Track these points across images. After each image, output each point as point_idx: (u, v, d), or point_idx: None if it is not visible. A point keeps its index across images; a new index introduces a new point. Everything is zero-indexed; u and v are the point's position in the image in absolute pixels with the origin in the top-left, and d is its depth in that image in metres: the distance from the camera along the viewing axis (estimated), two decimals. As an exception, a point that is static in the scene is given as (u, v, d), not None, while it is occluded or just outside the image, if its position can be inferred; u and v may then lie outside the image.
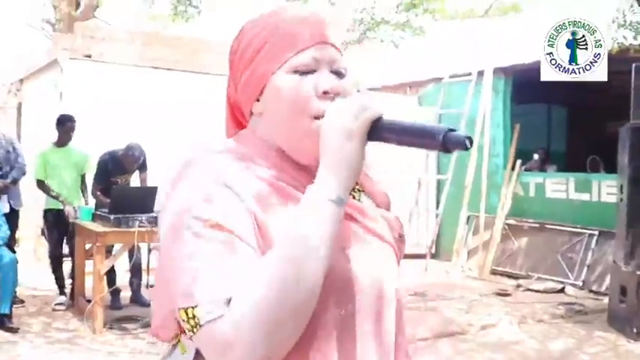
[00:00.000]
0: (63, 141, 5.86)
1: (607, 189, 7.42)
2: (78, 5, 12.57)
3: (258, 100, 0.98)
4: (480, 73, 8.71)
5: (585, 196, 7.83)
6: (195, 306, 0.83)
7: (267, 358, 0.82)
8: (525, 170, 8.89)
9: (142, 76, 7.94)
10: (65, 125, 5.80)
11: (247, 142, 1.00)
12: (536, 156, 9.98)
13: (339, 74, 0.97)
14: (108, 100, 7.44)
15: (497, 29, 9.57)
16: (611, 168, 7.59)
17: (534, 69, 8.10)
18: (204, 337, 0.84)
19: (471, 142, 0.84)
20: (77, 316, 5.43)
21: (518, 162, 8.52)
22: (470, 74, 8.80)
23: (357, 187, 1.06)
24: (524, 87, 8.88)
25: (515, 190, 8.43)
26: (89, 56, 7.78)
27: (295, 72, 0.95)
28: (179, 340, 0.98)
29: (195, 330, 0.84)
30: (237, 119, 1.06)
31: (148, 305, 5.82)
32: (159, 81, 8.00)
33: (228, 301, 0.82)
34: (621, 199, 5.65)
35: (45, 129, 6.70)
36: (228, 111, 1.07)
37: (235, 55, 1.01)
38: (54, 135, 5.92)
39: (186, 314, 0.84)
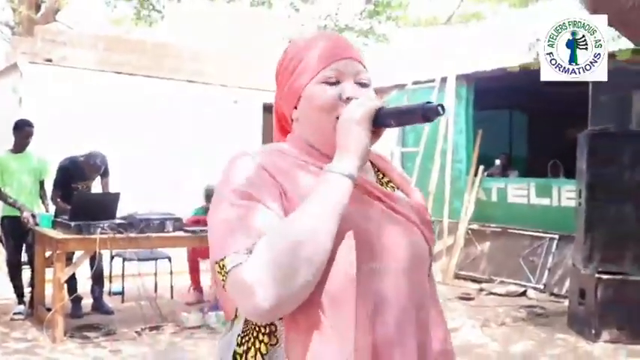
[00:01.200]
0: (21, 146, 5.75)
1: (567, 194, 7.57)
2: (38, 8, 12.36)
3: (295, 108, 1.18)
4: (443, 80, 8.82)
5: (546, 201, 7.97)
6: (224, 257, 1.01)
7: (284, 300, 0.97)
8: (488, 176, 9.02)
9: (104, 80, 7.84)
10: (23, 130, 5.69)
11: (287, 141, 1.21)
12: (498, 161, 10.13)
13: (362, 85, 1.17)
14: (69, 106, 7.33)
15: (460, 36, 9.68)
16: (570, 172, 7.75)
17: (496, 76, 8.27)
18: (231, 283, 1.00)
19: (443, 109, 1.06)
20: (36, 325, 5.32)
21: (481, 167, 8.64)
22: (433, 81, 8.90)
23: (391, 183, 1.26)
24: (486, 93, 9.01)
25: (478, 196, 8.54)
26: (50, 60, 7.64)
27: (324, 82, 1.15)
28: (236, 315, 1.13)
29: (224, 278, 1.02)
30: (283, 127, 1.26)
31: (110, 313, 5.74)
32: (121, 86, 7.91)
33: (250, 251, 0.99)
34: (580, 204, 5.76)
35: (3, 135, 6.56)
36: (276, 119, 1.28)
37: (279, 71, 1.22)
38: (13, 141, 5.79)
39: (219, 266, 1.03)
